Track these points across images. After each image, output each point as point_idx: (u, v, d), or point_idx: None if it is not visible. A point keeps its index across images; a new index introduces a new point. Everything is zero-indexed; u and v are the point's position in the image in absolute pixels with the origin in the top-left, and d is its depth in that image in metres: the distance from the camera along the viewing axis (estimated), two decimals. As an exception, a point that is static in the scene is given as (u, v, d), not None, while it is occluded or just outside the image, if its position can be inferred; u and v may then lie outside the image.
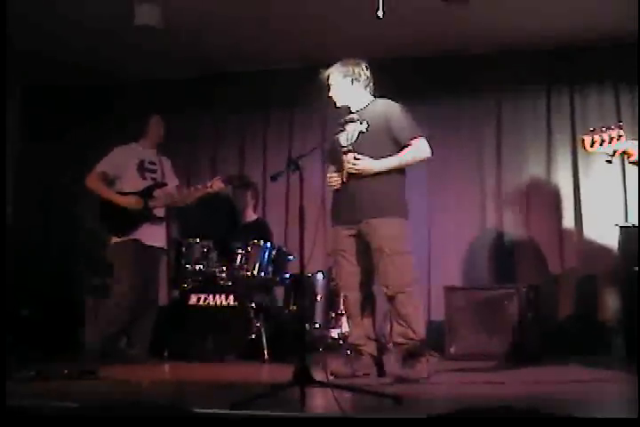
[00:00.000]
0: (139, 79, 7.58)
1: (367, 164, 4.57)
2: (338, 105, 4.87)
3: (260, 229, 6.75)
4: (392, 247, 4.54)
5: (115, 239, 5.80)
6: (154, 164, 6.04)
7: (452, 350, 5.86)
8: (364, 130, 4.68)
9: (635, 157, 3.73)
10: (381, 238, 4.54)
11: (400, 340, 4.59)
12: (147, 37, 6.21)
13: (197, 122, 7.79)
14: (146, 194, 5.86)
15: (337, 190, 4.77)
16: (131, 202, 5.77)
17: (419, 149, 4.67)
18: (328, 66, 4.84)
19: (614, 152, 3.73)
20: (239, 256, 6.19)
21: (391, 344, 6.20)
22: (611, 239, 6.22)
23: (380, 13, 4.92)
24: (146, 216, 5.82)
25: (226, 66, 7.43)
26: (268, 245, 6.29)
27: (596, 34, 6.42)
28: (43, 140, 7.64)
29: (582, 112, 6.83)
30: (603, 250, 6.44)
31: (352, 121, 4.70)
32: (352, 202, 4.66)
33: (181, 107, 7.59)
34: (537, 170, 6.92)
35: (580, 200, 6.76)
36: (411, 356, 4.54)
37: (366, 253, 4.67)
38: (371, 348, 4.72)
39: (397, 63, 6.90)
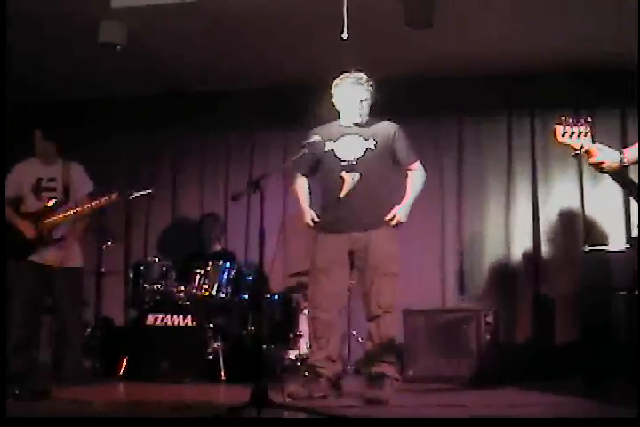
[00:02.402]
0: (97, 96, 7.51)
1: (405, 213, 4.72)
2: (354, 120, 4.83)
3: (225, 257, 6.65)
4: (388, 267, 4.64)
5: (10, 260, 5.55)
6: (53, 180, 5.68)
7: (410, 372, 5.84)
8: (373, 147, 4.73)
9: (595, 159, 3.80)
10: (380, 256, 4.62)
11: (372, 361, 4.63)
12: (109, 55, 6.14)
13: (157, 143, 7.73)
14: (37, 219, 5.55)
15: (334, 202, 4.73)
16: (27, 230, 5.51)
17: (422, 175, 4.93)
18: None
19: (581, 148, 3.80)
20: (198, 276, 6.14)
21: (349, 366, 6.21)
22: (569, 262, 6.35)
23: (344, 36, 4.96)
24: (41, 241, 5.54)
25: (189, 85, 7.40)
26: (228, 265, 6.24)
27: (555, 59, 6.48)
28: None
29: (543, 137, 6.87)
30: (561, 273, 6.49)
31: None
32: (352, 211, 4.66)
33: (141, 127, 7.57)
34: (497, 193, 6.96)
35: (538, 223, 6.81)
36: (379, 377, 4.56)
37: (351, 273, 4.76)
38: (330, 370, 4.67)
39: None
